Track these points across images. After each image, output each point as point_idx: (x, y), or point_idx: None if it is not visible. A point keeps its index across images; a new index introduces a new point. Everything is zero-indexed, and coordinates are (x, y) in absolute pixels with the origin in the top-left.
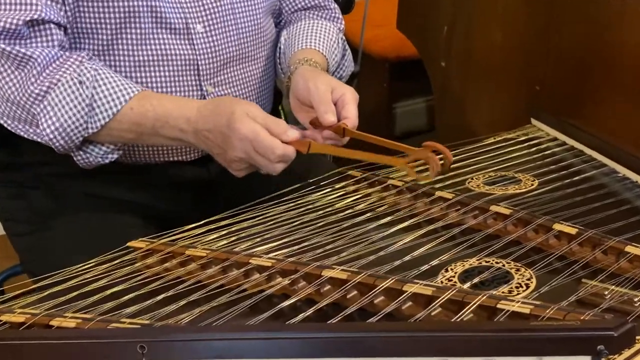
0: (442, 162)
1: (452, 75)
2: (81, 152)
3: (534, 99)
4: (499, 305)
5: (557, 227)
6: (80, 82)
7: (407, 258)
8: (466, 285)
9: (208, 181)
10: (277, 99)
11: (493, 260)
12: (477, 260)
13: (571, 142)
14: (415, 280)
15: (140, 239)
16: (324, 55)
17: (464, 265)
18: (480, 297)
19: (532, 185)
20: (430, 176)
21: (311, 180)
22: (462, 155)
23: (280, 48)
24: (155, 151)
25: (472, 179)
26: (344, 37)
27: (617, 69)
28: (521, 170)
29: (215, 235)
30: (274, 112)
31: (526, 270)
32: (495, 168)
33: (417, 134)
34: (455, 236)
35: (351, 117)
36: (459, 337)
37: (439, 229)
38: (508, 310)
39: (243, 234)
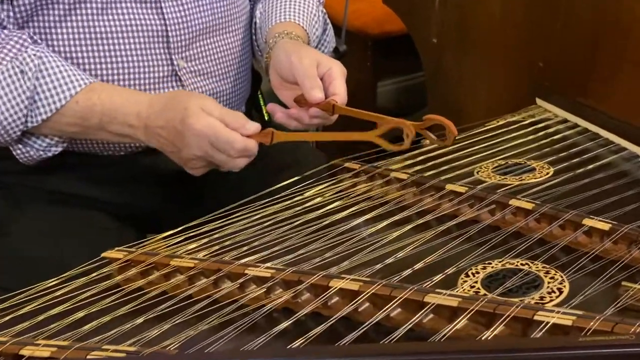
0: (445, 137)
1: (445, 53)
2: (20, 146)
3: (537, 77)
4: (536, 317)
5: (588, 222)
6: (21, 72)
7: (420, 264)
8: (493, 294)
9: (187, 175)
10: (255, 84)
11: (518, 262)
12: (500, 263)
13: (584, 123)
14: (438, 290)
15: (117, 248)
16: (305, 29)
17: (485, 270)
18: (514, 308)
19: (548, 173)
20: (405, 144)
21: (307, 174)
22: (466, 142)
23: (255, 22)
24: None
25: (481, 168)
26: (324, 10)
27: (631, 41)
28: (533, 157)
29: (194, 245)
30: (253, 98)
31: (556, 272)
32: (504, 155)
33: (406, 114)
34: (472, 236)
35: (340, 93)
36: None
37: (453, 228)
38: (547, 323)
39: (227, 242)
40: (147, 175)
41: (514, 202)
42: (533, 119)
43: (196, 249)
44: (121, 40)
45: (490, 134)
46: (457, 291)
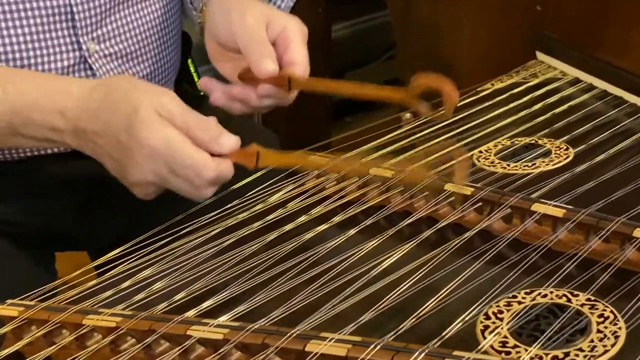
0: (441, 108)
1: None
2: None
3: (534, 24)
4: None
5: None
6: None
7: (426, 305)
8: (529, 349)
9: (109, 180)
10: (185, 50)
11: (553, 294)
12: (529, 296)
13: (602, 84)
14: (457, 354)
15: (9, 301)
16: None
17: (511, 308)
18: None
19: (567, 156)
20: (446, 112)
21: (256, 175)
22: (456, 116)
23: None
24: None
25: (482, 152)
26: None
27: None
28: (545, 133)
29: (114, 290)
30: (182, 65)
31: (606, 308)
32: (509, 133)
33: (368, 61)
34: (486, 258)
35: (300, 60)
36: None
37: (461, 249)
38: None
39: (159, 284)
40: (54, 187)
41: (538, 208)
42: (537, 80)
43: (117, 296)
44: (14, 22)
45: (485, 104)
46: (481, 348)
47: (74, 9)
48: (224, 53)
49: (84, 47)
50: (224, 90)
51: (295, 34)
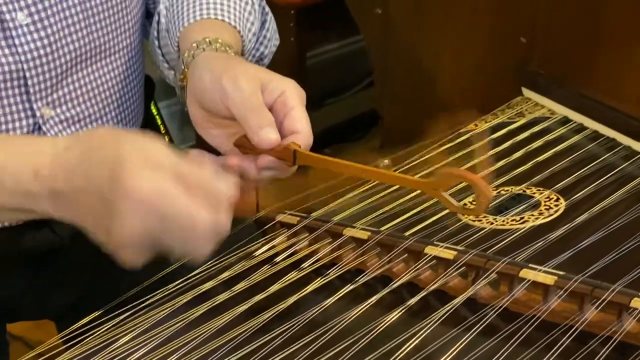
0: (473, 202)
1: (396, 27)
2: None
3: (520, 57)
4: None
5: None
6: None
7: None
8: None
9: (58, 250)
10: (148, 96)
11: None
12: None
13: (594, 125)
14: None
15: None
16: (235, 28)
17: None
18: None
19: (558, 208)
20: (477, 210)
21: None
22: (438, 164)
23: (159, 23)
24: None
25: (466, 205)
26: None
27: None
28: (533, 182)
29: None
30: (146, 115)
31: None
32: (495, 182)
33: (348, 87)
34: (480, 330)
35: (302, 129)
36: None
37: (450, 319)
38: None
39: None
40: (2, 259)
41: (526, 274)
42: (524, 120)
43: None
44: None
45: (468, 149)
46: None
47: (27, 74)
48: (211, 120)
49: (37, 113)
50: (218, 163)
51: (295, 100)
